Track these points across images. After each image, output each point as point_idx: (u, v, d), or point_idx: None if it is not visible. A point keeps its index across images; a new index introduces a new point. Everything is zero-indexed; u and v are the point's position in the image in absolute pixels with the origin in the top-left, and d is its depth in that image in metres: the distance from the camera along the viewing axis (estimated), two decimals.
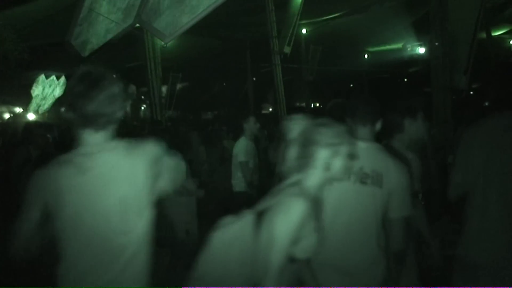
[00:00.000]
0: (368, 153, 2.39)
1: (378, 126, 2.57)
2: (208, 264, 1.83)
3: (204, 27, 9.62)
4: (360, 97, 2.69)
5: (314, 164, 1.91)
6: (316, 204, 1.91)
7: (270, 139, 8.90)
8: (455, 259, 2.56)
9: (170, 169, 1.82)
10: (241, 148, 5.34)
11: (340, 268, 2.36)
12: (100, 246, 1.68)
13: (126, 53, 15.54)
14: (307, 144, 1.93)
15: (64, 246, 1.69)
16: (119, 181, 1.69)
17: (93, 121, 1.67)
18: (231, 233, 1.85)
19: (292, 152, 1.96)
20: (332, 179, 1.96)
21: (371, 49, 20.54)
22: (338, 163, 1.92)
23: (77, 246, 1.69)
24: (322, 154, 1.90)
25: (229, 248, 1.82)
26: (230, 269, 1.82)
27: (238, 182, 5.37)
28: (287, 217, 1.77)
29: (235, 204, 5.43)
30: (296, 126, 1.98)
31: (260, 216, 1.85)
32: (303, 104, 19.93)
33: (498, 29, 17.41)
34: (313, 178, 1.92)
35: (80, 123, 1.70)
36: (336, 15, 15.00)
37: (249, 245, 1.82)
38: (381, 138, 2.95)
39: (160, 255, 4.41)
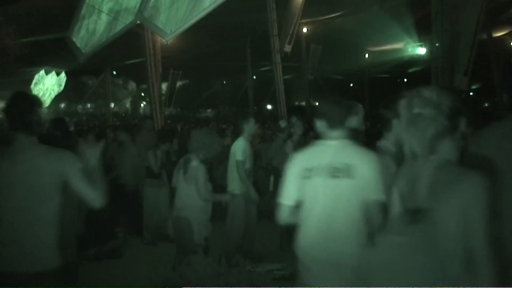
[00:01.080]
0: (337, 149, 2.54)
1: (348, 124, 2.68)
2: (375, 269, 1.73)
3: (205, 25, 9.61)
4: (329, 100, 2.72)
5: (454, 136, 1.66)
6: None
7: (263, 139, 8.82)
8: None
9: (79, 172, 2.34)
10: (239, 148, 5.33)
11: (328, 259, 2.45)
12: (23, 217, 2.28)
13: (126, 50, 15.52)
14: (443, 116, 1.65)
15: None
16: (38, 172, 2.30)
17: (28, 127, 2.33)
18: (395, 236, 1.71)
19: (419, 131, 1.68)
20: (461, 149, 1.71)
21: (371, 49, 20.53)
22: (468, 130, 1.71)
23: (6, 216, 2.29)
24: (463, 122, 1.67)
25: (397, 253, 1.67)
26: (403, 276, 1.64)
27: (235, 182, 5.33)
28: (479, 197, 1.57)
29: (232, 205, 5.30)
30: (415, 100, 1.70)
31: (418, 215, 1.64)
32: (303, 103, 19.94)
33: (499, 30, 17.43)
34: (453, 152, 1.67)
35: (18, 128, 2.34)
36: (337, 14, 15.00)
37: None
38: (379, 136, 3.04)
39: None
